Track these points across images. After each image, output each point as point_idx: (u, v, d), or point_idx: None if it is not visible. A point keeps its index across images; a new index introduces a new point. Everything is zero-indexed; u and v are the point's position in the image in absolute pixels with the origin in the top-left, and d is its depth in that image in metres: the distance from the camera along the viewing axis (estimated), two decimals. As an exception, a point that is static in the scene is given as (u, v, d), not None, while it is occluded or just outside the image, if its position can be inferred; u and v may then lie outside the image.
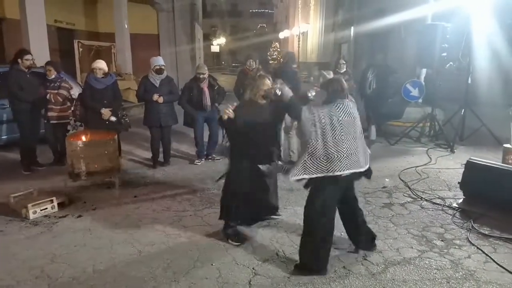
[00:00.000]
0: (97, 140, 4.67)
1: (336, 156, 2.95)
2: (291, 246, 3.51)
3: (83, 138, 4.74)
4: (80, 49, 11.74)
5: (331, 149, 2.95)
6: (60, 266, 3.18)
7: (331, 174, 2.97)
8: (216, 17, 48.62)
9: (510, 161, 5.19)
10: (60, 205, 4.34)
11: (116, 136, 4.85)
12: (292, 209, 4.34)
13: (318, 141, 2.95)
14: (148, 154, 6.20)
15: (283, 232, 3.77)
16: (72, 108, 5.95)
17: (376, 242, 3.57)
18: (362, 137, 3.22)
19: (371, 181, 5.24)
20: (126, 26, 13.73)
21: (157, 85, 5.67)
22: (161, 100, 5.59)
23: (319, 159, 2.97)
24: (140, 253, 3.39)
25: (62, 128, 5.91)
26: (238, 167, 3.55)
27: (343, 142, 2.97)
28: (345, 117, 3.02)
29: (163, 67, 5.71)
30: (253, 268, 3.15)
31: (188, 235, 3.71)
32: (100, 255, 3.33)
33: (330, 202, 3.11)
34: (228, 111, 3.39)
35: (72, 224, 3.97)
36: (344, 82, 3.21)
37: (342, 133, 2.97)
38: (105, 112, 5.39)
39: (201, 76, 5.80)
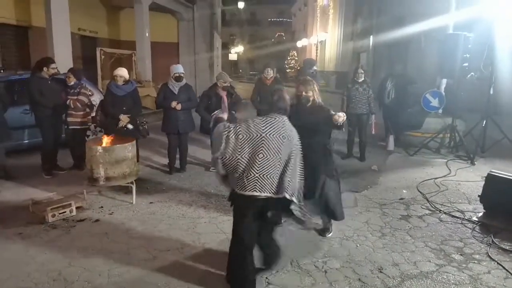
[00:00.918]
0: (116, 146, 4.75)
1: (247, 175, 2.65)
2: (305, 256, 3.48)
3: (103, 143, 4.83)
4: (102, 57, 12.04)
5: (243, 166, 2.66)
6: (77, 269, 3.24)
7: (243, 192, 2.69)
8: (235, 26, 49.10)
9: (533, 174, 5.02)
10: (79, 209, 4.43)
11: (134, 142, 4.93)
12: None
13: (226, 156, 2.65)
14: (165, 161, 6.28)
15: (296, 241, 3.74)
16: (93, 114, 6.09)
17: (393, 254, 3.51)
18: (297, 163, 2.81)
19: (388, 192, 5.20)
20: (147, 34, 14.00)
21: (176, 92, 5.75)
22: (179, 107, 5.67)
23: (232, 174, 2.73)
24: (155, 259, 3.42)
25: (81, 134, 6.05)
26: None
27: (259, 161, 2.63)
28: (272, 134, 2.67)
29: (182, 74, 5.79)
30: (266, 278, 3.13)
31: (202, 242, 3.73)
32: (116, 260, 3.38)
33: (240, 219, 2.83)
34: None
35: (90, 228, 4.05)
36: (286, 96, 2.86)
37: (260, 151, 2.63)
38: (123, 118, 5.49)
39: (224, 84, 5.86)
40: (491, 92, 6.89)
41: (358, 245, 3.74)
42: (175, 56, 16.96)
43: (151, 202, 4.79)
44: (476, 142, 7.02)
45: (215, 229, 4.02)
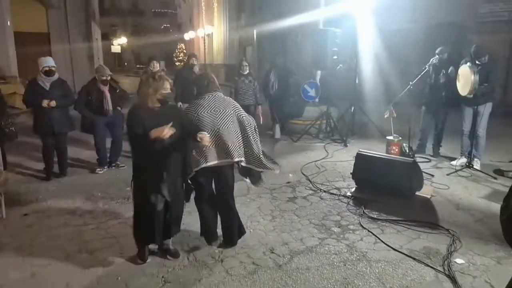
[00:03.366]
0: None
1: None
2: (201, 248, 3.52)
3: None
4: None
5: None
6: None
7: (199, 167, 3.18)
8: (116, 16, 45.93)
9: (392, 151, 5.91)
10: None
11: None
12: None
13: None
14: (41, 166, 5.62)
15: (193, 235, 3.75)
16: None
17: (283, 234, 3.78)
18: (241, 130, 3.34)
19: (277, 177, 5.52)
20: (8, 23, 12.20)
21: (47, 88, 5.16)
22: (53, 104, 5.10)
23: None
24: (34, 276, 3.08)
25: None
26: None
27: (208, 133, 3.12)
28: (213, 108, 3.23)
29: (53, 68, 5.21)
30: (162, 277, 3.09)
31: (90, 250, 3.48)
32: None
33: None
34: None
35: None
36: (213, 76, 3.42)
37: (207, 125, 3.17)
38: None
39: (103, 78, 5.44)
40: (357, 81, 7.85)
41: (251, 230, 3.92)
42: (46, 47, 15.10)
43: (25, 214, 4.25)
44: (347, 126, 7.94)
45: (104, 235, 3.78)
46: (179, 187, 3.25)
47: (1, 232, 3.82)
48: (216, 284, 2.99)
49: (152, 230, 3.13)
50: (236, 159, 3.24)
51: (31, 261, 3.28)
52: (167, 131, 2.86)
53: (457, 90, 5.51)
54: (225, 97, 3.43)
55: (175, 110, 3.41)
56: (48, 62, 5.19)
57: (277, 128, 8.10)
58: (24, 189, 5.02)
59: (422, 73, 6.02)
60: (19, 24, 12.90)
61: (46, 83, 5.16)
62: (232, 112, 3.31)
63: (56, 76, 5.27)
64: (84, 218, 4.17)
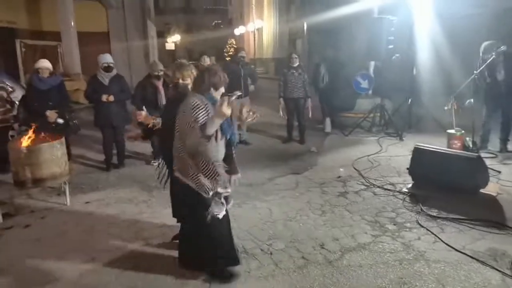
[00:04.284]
0: (42, 144, 4.39)
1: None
2: (251, 240, 3.52)
3: (27, 143, 4.45)
4: (23, 49, 11.04)
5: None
6: (7, 280, 2.98)
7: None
8: (170, 14, 47.51)
9: (453, 145, 5.52)
10: (6, 215, 4.07)
11: (63, 140, 4.60)
12: (251, 204, 4.36)
13: None
14: (101, 157, 5.96)
15: (242, 227, 3.76)
16: (15, 112, 5.60)
17: (334, 230, 3.68)
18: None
19: (327, 172, 5.42)
20: (72, 24, 13.06)
21: (107, 84, 5.44)
22: (111, 99, 5.38)
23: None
24: (94, 260, 3.25)
25: (2, 133, 5.55)
26: None
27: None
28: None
29: (111, 64, 5.48)
30: (212, 266, 3.12)
31: (145, 237, 3.62)
32: (51, 266, 3.16)
33: None
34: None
35: (20, 235, 3.75)
36: (221, 71, 2.87)
37: None
38: (50, 114, 5.12)
39: (156, 73, 5.64)
40: (414, 72, 7.42)
41: (301, 224, 3.86)
42: (106, 46, 16.01)
43: (87, 202, 4.53)
44: (403, 119, 7.54)
45: (158, 223, 3.92)
46: None
47: (65, 219, 4.10)
48: (265, 277, 2.97)
49: None
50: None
51: (92, 245, 3.48)
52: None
53: None
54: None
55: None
56: (107, 58, 5.47)
57: (328, 121, 7.90)
58: (86, 179, 5.35)
59: (489, 61, 5.53)
60: (81, 25, 13.76)
61: (105, 78, 5.45)
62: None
63: (114, 72, 5.54)
64: (140, 207, 4.35)
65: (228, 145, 2.89)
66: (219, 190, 2.78)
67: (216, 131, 2.68)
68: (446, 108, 5.65)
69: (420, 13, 7.50)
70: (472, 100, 5.63)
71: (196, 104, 2.65)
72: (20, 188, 4.40)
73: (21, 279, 3.00)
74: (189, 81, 3.17)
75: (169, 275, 3.00)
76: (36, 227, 3.91)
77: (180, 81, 3.21)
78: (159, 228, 3.80)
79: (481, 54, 5.66)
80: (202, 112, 2.64)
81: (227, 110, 2.52)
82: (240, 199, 4.39)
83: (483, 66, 5.55)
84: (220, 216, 2.84)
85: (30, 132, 4.43)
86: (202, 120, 2.61)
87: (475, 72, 5.61)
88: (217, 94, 2.82)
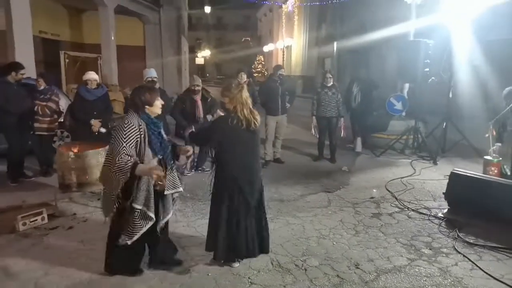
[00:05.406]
0: (88, 151, 4.64)
1: None
2: (285, 255, 3.56)
3: (74, 149, 4.70)
4: (66, 60, 11.65)
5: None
6: (54, 278, 3.14)
7: None
8: (201, 30, 48.89)
9: (490, 172, 5.40)
10: (50, 216, 4.28)
11: (108, 147, 4.83)
12: (284, 219, 4.41)
13: None
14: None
15: (276, 241, 3.81)
16: (61, 120, 5.91)
17: (368, 250, 3.67)
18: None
19: (359, 192, 5.42)
20: (112, 37, 13.68)
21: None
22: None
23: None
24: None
25: (48, 140, 5.88)
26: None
27: None
28: None
29: (155, 79, 5.75)
30: (249, 278, 3.19)
31: (182, 245, 3.72)
32: (95, 266, 3.30)
33: None
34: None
35: (64, 236, 3.93)
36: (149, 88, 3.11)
37: None
38: (95, 123, 5.39)
39: (196, 88, 5.85)
40: (450, 95, 7.34)
41: (334, 243, 3.87)
42: (142, 60, 16.66)
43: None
44: (437, 143, 7.44)
45: (194, 232, 4.03)
46: None
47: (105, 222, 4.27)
48: (301, 292, 3.01)
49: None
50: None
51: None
52: None
53: None
54: None
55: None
56: (152, 73, 5.76)
57: (359, 141, 7.89)
58: (124, 186, 5.54)
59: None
60: (119, 38, 14.40)
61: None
62: None
63: (157, 86, 5.78)
64: (176, 215, 4.47)
65: (162, 164, 3.04)
66: (136, 206, 2.90)
67: (143, 151, 2.88)
68: (486, 135, 5.53)
69: (458, 37, 7.46)
70: (500, 144, 5.50)
71: (127, 124, 2.84)
72: (64, 191, 4.64)
73: (68, 277, 3.15)
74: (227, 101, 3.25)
75: (207, 284, 3.07)
76: (79, 229, 4.09)
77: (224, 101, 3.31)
78: (195, 237, 3.90)
79: None
80: (133, 132, 2.82)
81: (152, 174, 2.77)
82: (272, 214, 4.45)
83: None
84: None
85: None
86: (132, 140, 2.81)
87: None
88: (154, 108, 2.99)
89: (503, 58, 9.88)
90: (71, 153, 4.45)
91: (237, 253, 3.30)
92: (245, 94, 3.23)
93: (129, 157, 2.75)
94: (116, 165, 2.74)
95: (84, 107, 5.37)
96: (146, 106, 2.96)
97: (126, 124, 2.85)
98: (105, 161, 3.05)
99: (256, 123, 3.23)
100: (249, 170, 3.25)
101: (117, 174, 2.76)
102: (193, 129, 4.32)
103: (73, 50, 13.65)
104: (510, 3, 8.75)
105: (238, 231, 3.23)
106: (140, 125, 2.90)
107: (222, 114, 3.44)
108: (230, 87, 3.24)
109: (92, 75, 5.45)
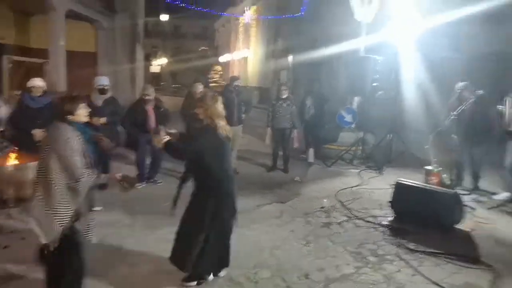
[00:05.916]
0: (28, 163, 4.36)
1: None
2: (236, 268, 3.54)
3: (12, 161, 4.41)
4: (9, 65, 10.95)
5: None
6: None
7: None
8: (158, 38, 48.13)
9: (430, 181, 5.76)
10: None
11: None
12: (239, 230, 4.39)
13: None
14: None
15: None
16: (1, 129, 5.53)
17: (317, 260, 3.76)
18: None
19: (311, 202, 5.54)
20: (62, 43, 13.08)
21: (99, 105, 5.48)
22: (102, 121, 5.40)
23: None
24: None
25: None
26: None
27: None
28: None
29: (106, 87, 5.55)
30: (199, 292, 3.14)
31: (130, 263, 3.59)
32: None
33: None
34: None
35: (-1, 255, 3.66)
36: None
37: None
38: (37, 133, 5.08)
39: (147, 97, 5.72)
40: (396, 109, 7.78)
41: (286, 253, 3.92)
42: (93, 66, 16.04)
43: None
44: (383, 154, 7.82)
45: (144, 249, 3.90)
46: None
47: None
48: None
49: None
50: None
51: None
52: None
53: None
54: None
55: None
56: (103, 81, 5.54)
57: (311, 152, 8.08)
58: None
59: (467, 103, 5.84)
60: (69, 44, 13.79)
61: (98, 100, 5.49)
62: None
63: (108, 94, 5.59)
64: (121, 231, 4.32)
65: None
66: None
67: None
68: (426, 147, 5.90)
69: (405, 54, 7.96)
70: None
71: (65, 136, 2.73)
72: (1, 207, 4.33)
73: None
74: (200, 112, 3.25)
75: None
76: (15, 249, 3.82)
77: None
78: (145, 256, 3.78)
79: (457, 94, 5.94)
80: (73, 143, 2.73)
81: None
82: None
83: (461, 107, 5.85)
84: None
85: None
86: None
87: (453, 113, 5.89)
88: (78, 115, 2.88)
89: (444, 75, 10.65)
90: (8, 166, 4.17)
91: (222, 263, 3.36)
92: (220, 105, 3.27)
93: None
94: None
95: (27, 115, 5.06)
96: (69, 116, 2.83)
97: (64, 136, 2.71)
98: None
99: (230, 133, 3.29)
100: (231, 178, 3.31)
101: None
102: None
103: (18, 55, 12.87)
104: (449, 24, 9.45)
105: (226, 241, 3.33)
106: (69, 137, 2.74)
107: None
108: (205, 98, 3.26)
109: (37, 82, 5.16)
